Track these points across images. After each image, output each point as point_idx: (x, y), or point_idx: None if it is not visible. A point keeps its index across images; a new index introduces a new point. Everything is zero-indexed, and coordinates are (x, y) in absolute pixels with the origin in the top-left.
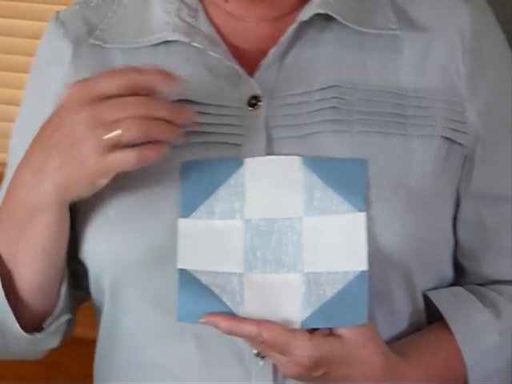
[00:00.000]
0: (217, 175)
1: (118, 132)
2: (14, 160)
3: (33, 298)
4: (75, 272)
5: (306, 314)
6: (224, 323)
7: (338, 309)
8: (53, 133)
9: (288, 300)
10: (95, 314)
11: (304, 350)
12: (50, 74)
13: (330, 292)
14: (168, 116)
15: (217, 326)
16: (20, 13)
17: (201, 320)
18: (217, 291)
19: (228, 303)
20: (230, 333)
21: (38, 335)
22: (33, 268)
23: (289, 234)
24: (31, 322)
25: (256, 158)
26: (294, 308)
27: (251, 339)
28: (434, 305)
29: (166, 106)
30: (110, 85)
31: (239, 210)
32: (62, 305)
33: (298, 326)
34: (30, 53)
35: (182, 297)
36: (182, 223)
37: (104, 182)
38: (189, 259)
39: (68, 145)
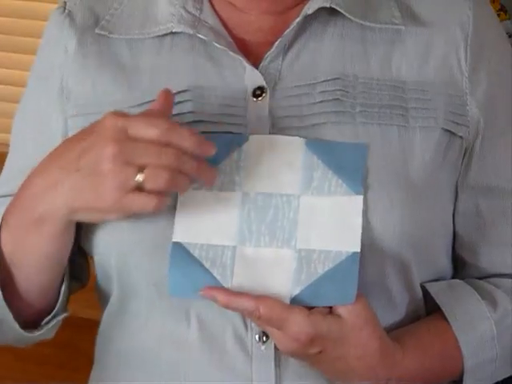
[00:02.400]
0: (221, 149)
1: (142, 177)
2: (15, 145)
3: (32, 296)
4: (73, 262)
5: (296, 291)
6: (222, 297)
7: (328, 287)
8: (78, 155)
9: (279, 276)
10: (101, 300)
11: (301, 326)
12: (55, 61)
13: (321, 270)
14: (195, 173)
15: (215, 300)
16: None
17: (200, 293)
18: (208, 265)
19: (218, 277)
20: (227, 307)
21: (36, 332)
22: (35, 270)
23: (285, 210)
24: (28, 318)
25: (261, 136)
26: (284, 284)
27: (248, 314)
28: (432, 297)
29: (195, 163)
30: (150, 133)
31: (239, 183)
32: (61, 303)
33: (287, 302)
34: (38, 35)
35: (173, 271)
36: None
37: (115, 218)
38: (184, 231)
39: (90, 174)
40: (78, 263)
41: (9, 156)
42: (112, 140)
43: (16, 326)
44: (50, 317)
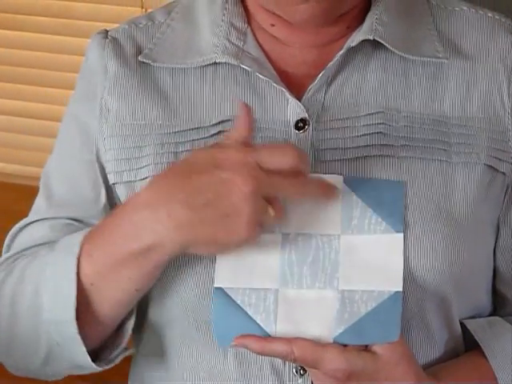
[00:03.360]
0: None
1: (273, 211)
2: (52, 168)
3: (101, 331)
4: None
5: (340, 330)
6: (255, 344)
7: (371, 326)
8: (205, 189)
9: (321, 316)
10: (136, 329)
11: (336, 363)
12: (95, 80)
13: (363, 309)
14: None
15: (249, 348)
16: (67, 30)
17: (232, 343)
18: (251, 312)
19: (261, 324)
20: (262, 353)
21: (105, 366)
22: (114, 304)
23: (326, 250)
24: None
25: None
26: (327, 324)
27: (283, 357)
28: (471, 334)
29: (319, 190)
30: (284, 163)
31: (278, 224)
32: (128, 337)
33: (330, 341)
34: (75, 69)
35: (217, 322)
36: None
37: (235, 249)
38: (225, 276)
39: (224, 209)
40: None
41: (47, 177)
42: (250, 177)
43: (88, 358)
44: (117, 351)
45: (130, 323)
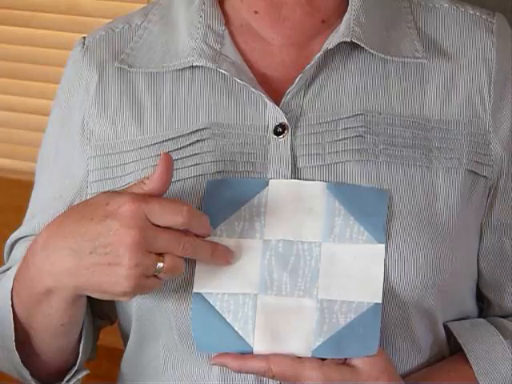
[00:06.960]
0: (241, 194)
1: (161, 265)
2: (37, 184)
3: (50, 355)
4: (96, 299)
5: (318, 343)
6: (233, 363)
7: (350, 339)
8: (92, 237)
9: (300, 327)
10: (123, 340)
11: (314, 377)
12: (76, 101)
13: (342, 321)
14: (210, 258)
15: (227, 367)
16: (74, 26)
17: (211, 362)
18: (229, 318)
19: (240, 332)
20: (240, 371)
21: None
22: (51, 335)
23: (307, 258)
24: (47, 374)
25: (281, 181)
26: (306, 336)
27: (262, 374)
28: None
29: (209, 248)
30: (173, 221)
31: (259, 230)
32: (80, 361)
33: (308, 354)
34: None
35: (196, 327)
36: None
37: (126, 300)
38: (204, 281)
39: (107, 260)
40: (104, 302)
41: (32, 194)
42: (135, 230)
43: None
44: (70, 375)
45: (81, 347)
